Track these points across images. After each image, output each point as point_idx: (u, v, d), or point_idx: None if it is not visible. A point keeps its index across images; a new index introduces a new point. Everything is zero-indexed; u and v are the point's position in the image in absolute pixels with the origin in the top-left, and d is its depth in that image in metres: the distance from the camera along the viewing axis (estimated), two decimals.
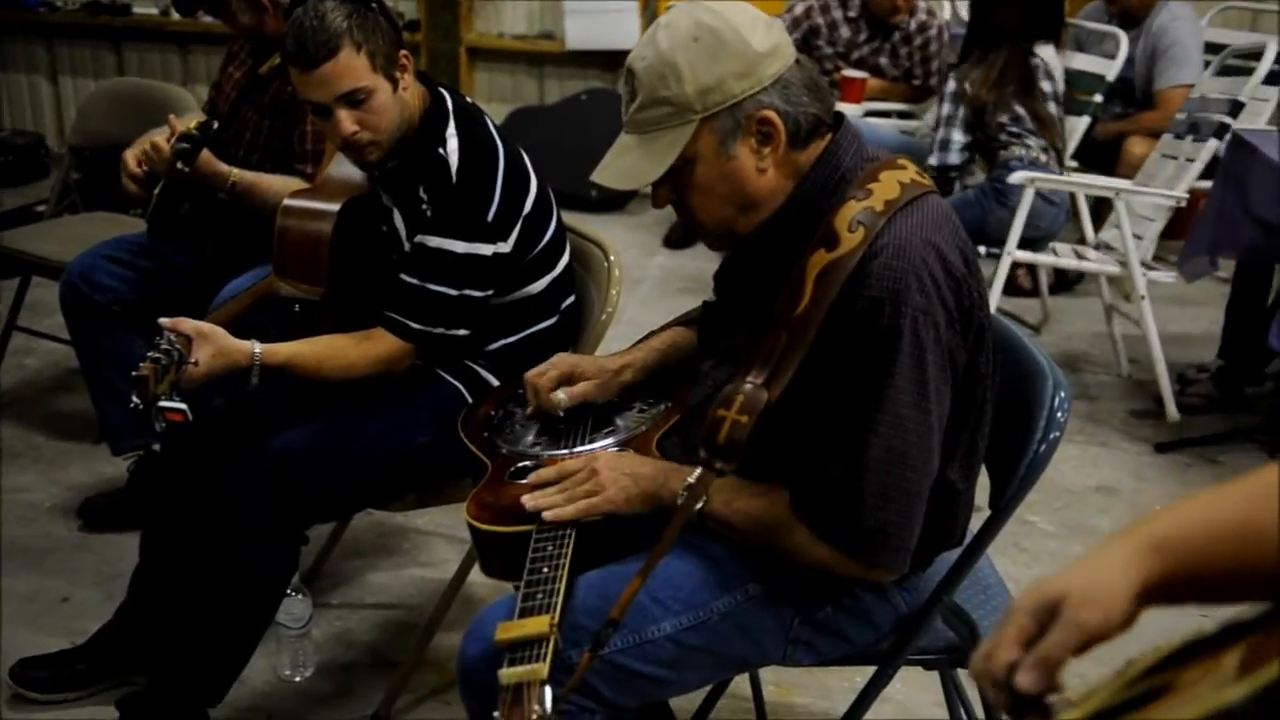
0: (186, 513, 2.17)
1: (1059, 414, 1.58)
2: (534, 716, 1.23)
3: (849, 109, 4.50)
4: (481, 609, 1.55)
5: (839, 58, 4.95)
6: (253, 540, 2.00)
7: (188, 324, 1.90)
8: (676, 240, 5.17)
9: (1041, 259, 3.97)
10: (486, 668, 1.39)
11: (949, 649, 1.72)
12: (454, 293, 2.06)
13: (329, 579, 2.75)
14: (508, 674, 1.29)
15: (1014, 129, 4.02)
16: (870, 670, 1.68)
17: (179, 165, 2.45)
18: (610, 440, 1.74)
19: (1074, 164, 4.35)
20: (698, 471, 1.48)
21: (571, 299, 2.29)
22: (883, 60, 4.98)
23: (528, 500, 1.58)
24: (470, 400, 2.12)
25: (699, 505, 1.48)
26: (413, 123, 2.10)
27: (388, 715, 2.28)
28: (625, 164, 1.53)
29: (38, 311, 3.75)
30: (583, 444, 1.75)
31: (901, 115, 5.05)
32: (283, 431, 2.05)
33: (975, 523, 1.64)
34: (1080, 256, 4.00)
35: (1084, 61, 4.57)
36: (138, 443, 2.89)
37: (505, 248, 2.10)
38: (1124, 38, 4.54)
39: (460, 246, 2.05)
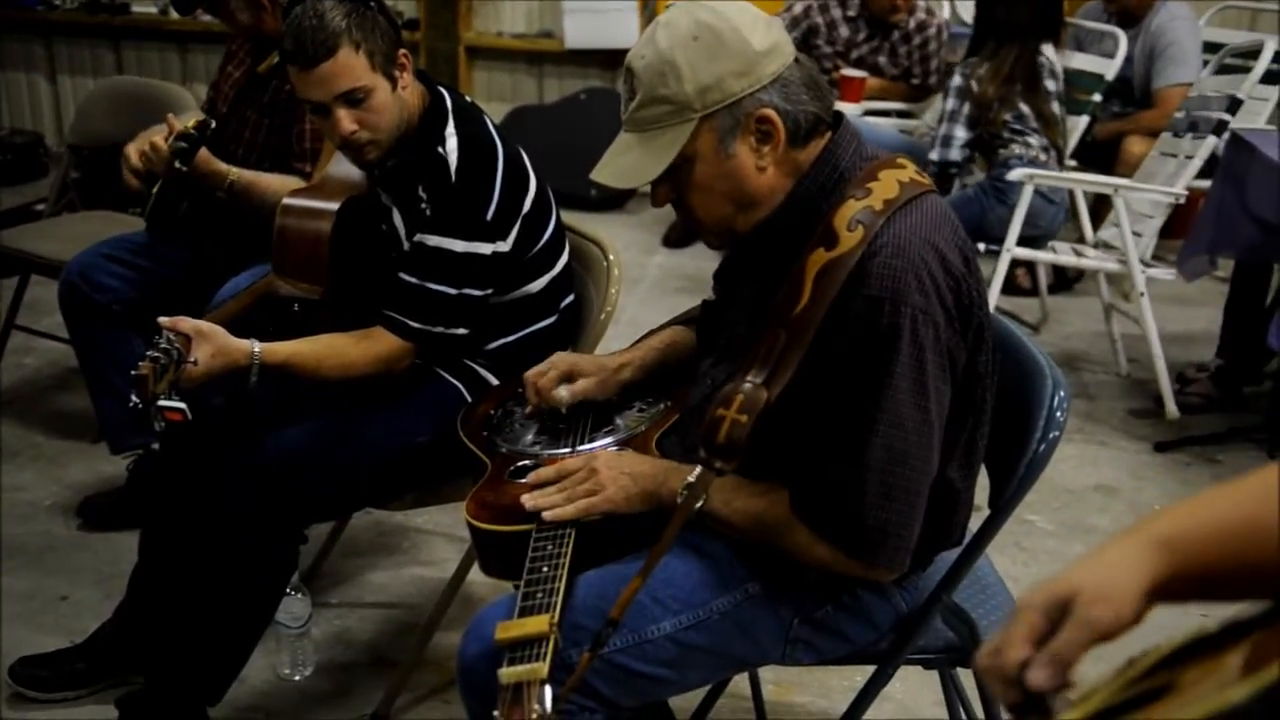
0: (186, 512, 2.17)
1: (1058, 413, 1.58)
2: (534, 716, 1.23)
3: (848, 108, 4.51)
4: (481, 608, 1.55)
5: (838, 57, 4.95)
6: (252, 539, 1.99)
7: (187, 323, 1.90)
8: (676, 239, 5.17)
9: (1041, 256, 3.98)
10: (486, 667, 1.39)
11: (948, 648, 1.72)
12: (453, 291, 2.06)
13: (328, 578, 2.75)
14: (507, 673, 1.28)
15: (1017, 126, 4.02)
16: (870, 669, 1.68)
17: (177, 164, 2.45)
18: (610, 439, 1.74)
19: (1073, 163, 4.35)
20: (697, 470, 1.48)
21: (571, 298, 2.29)
22: (882, 59, 4.98)
23: (527, 500, 1.58)
24: (469, 399, 2.12)
25: (698, 504, 1.48)
26: (412, 122, 2.10)
27: (387, 714, 2.28)
28: (625, 163, 1.53)
29: (37, 310, 3.75)
30: (582, 443, 1.75)
31: (900, 114, 5.05)
32: (282, 430, 2.05)
33: (975, 522, 1.64)
34: (1079, 255, 4.01)
35: (1083, 61, 4.57)
36: (137, 442, 2.88)
37: (504, 247, 2.10)
38: (1123, 37, 4.54)
39: (459, 245, 2.05)
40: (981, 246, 3.84)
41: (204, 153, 2.53)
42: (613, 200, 5.55)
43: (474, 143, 2.08)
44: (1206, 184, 3.70)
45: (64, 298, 2.87)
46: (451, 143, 2.07)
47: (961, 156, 4.10)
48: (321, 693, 2.38)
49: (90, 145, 3.67)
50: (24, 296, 3.51)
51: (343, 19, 1.97)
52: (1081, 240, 4.16)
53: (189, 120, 2.52)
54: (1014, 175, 3.77)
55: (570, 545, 1.50)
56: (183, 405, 1.77)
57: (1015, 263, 4.27)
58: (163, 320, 1.89)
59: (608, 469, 1.58)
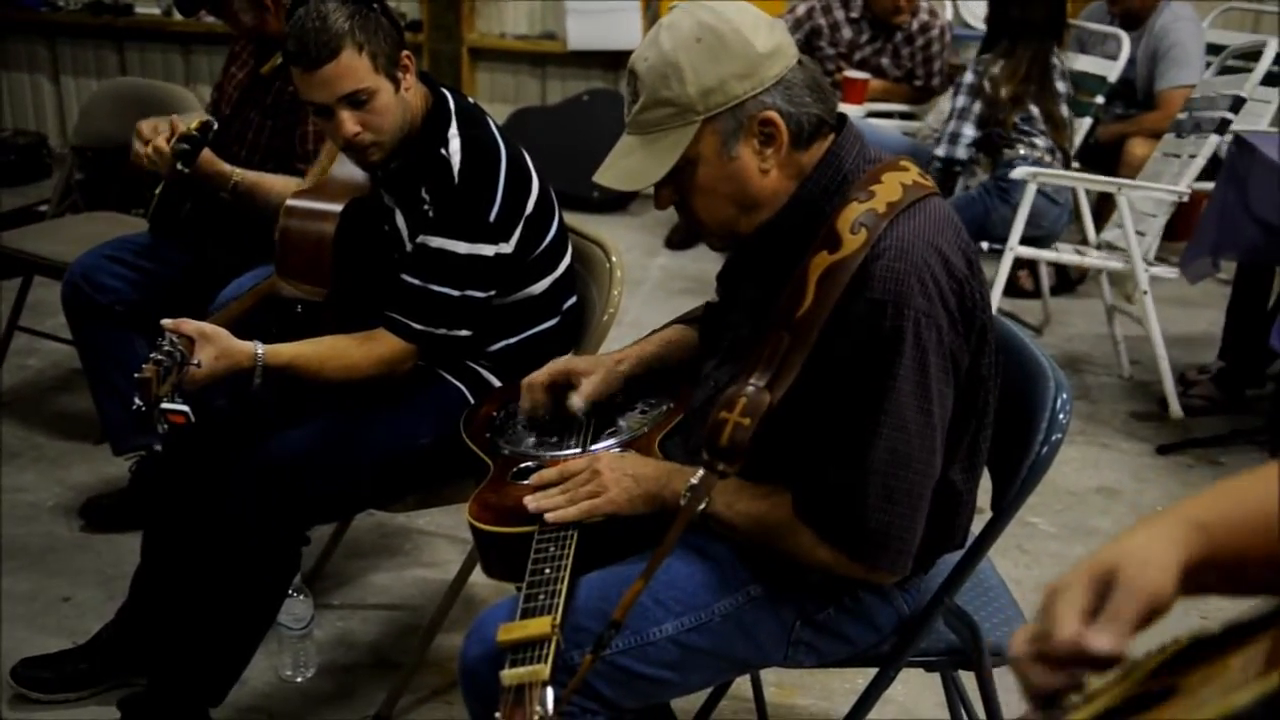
0: (188, 513, 2.17)
1: (1060, 415, 1.58)
2: (535, 717, 1.23)
3: (851, 110, 4.50)
4: (483, 610, 1.55)
5: (841, 58, 4.95)
6: (254, 541, 2.00)
7: (190, 325, 1.90)
8: (678, 241, 5.17)
9: (1044, 254, 3.98)
10: (488, 669, 1.39)
11: (950, 651, 1.71)
12: (456, 293, 2.06)
13: (331, 579, 2.76)
14: (509, 675, 1.29)
15: (1025, 128, 4.03)
16: (872, 672, 1.68)
17: (180, 166, 2.45)
18: (612, 441, 1.74)
19: (1076, 165, 4.35)
20: (700, 472, 1.48)
21: (573, 299, 2.29)
22: (884, 61, 4.98)
23: (530, 501, 1.58)
24: (472, 401, 2.12)
25: (701, 507, 1.48)
26: (415, 123, 2.10)
27: (389, 716, 2.28)
28: (628, 165, 1.53)
29: (40, 311, 3.76)
30: (585, 445, 1.75)
31: (903, 116, 5.05)
32: (284, 432, 2.05)
33: (977, 525, 1.64)
34: (1082, 255, 4.01)
35: (1085, 62, 4.57)
36: (139, 443, 2.89)
37: (507, 248, 2.10)
38: (1126, 38, 4.54)
39: (462, 247, 2.05)
40: (985, 245, 3.84)
41: (207, 154, 2.53)
42: (615, 202, 5.55)
43: (477, 144, 2.08)
44: (1210, 186, 3.70)
45: (67, 299, 2.87)
46: (454, 144, 2.07)
47: (967, 155, 4.10)
48: (323, 694, 2.38)
49: (94, 146, 3.67)
50: (27, 297, 3.51)
51: (346, 21, 1.97)
52: (1084, 242, 4.16)
53: (192, 121, 2.52)
54: (1017, 173, 3.77)
55: (573, 547, 1.50)
56: (186, 408, 1.77)
57: (1018, 264, 4.28)
58: (166, 322, 1.89)
59: (610, 471, 1.58)
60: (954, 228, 1.50)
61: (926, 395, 1.43)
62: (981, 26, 5.41)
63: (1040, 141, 4.03)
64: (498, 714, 1.25)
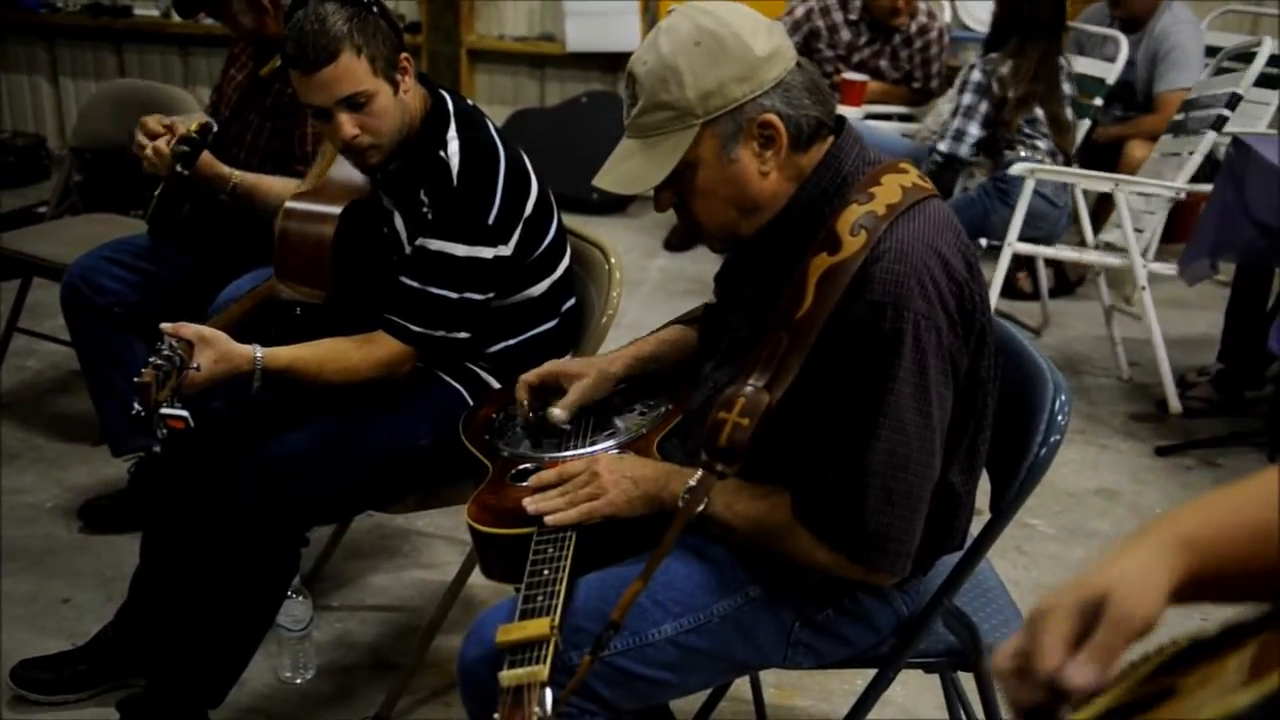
0: (187, 514, 2.17)
1: (1059, 417, 1.58)
2: (534, 718, 1.23)
3: (849, 112, 4.50)
4: (482, 611, 1.55)
5: (839, 60, 4.96)
6: (253, 542, 2.00)
7: (189, 329, 1.90)
8: (677, 243, 5.17)
9: (1043, 250, 3.99)
10: (487, 670, 1.39)
11: (949, 652, 1.72)
12: (455, 296, 2.06)
13: (330, 581, 2.76)
14: (508, 676, 1.29)
15: (1028, 131, 4.03)
16: (871, 673, 1.68)
17: (179, 168, 2.45)
18: (611, 442, 1.75)
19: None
20: (699, 474, 1.48)
21: (572, 301, 2.29)
22: (883, 63, 4.99)
23: (529, 503, 1.58)
24: (471, 402, 2.12)
25: (700, 508, 1.48)
26: (414, 125, 2.10)
27: (388, 717, 2.28)
28: (627, 169, 1.53)
29: (39, 313, 3.76)
30: (583, 446, 1.75)
31: (902, 118, 5.06)
32: (283, 434, 2.05)
33: (976, 526, 1.64)
34: (1081, 252, 4.03)
35: (1084, 65, 4.58)
36: (138, 444, 2.89)
37: (506, 250, 2.10)
38: (1124, 41, 4.54)
39: (461, 249, 2.05)
40: (984, 242, 3.85)
41: (206, 156, 2.53)
42: (614, 203, 5.55)
43: (476, 146, 2.08)
44: (1208, 188, 3.71)
45: (66, 300, 2.87)
46: (453, 146, 2.07)
47: (968, 154, 4.10)
48: (323, 695, 2.38)
49: (92, 148, 3.67)
50: (26, 299, 3.51)
51: (344, 23, 1.97)
52: (1083, 243, 4.17)
53: (191, 123, 2.52)
54: (1015, 169, 3.78)
55: (571, 548, 1.50)
56: (185, 413, 1.77)
57: (1016, 266, 4.29)
58: (165, 326, 1.89)
59: (609, 472, 1.58)
60: (953, 230, 1.50)
61: (926, 397, 1.43)
62: (979, 28, 5.43)
63: (1042, 144, 4.03)
64: (496, 715, 1.25)
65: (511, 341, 2.21)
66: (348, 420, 2.08)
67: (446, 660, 2.32)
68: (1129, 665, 0.80)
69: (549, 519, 1.55)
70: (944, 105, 4.33)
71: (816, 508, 1.48)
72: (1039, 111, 4.01)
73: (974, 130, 4.04)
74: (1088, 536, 3.03)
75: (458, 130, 2.09)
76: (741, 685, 2.23)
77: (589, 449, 1.73)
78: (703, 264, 4.86)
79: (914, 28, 4.95)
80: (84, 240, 3.08)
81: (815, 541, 1.48)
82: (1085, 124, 4.42)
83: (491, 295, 2.13)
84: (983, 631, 1.69)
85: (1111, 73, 4.49)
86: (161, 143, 2.51)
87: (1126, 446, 3.55)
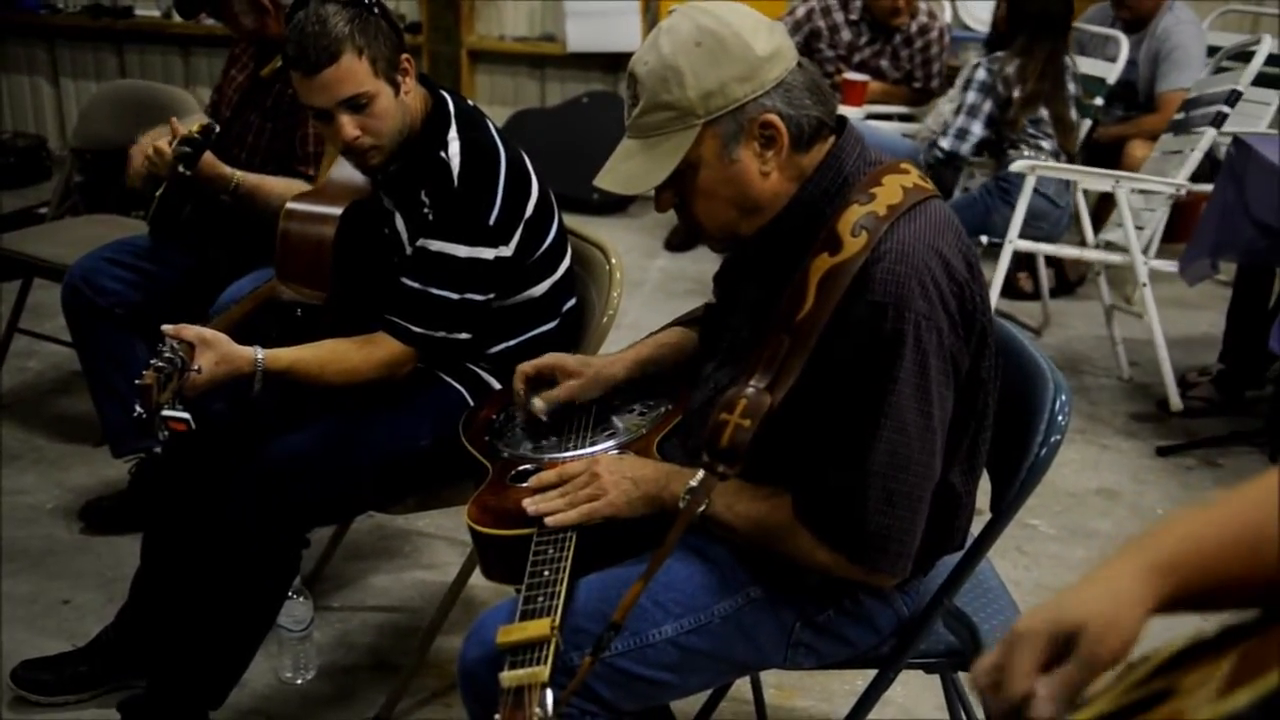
0: (188, 516, 2.17)
1: (1060, 417, 1.58)
2: (535, 719, 1.23)
3: (850, 111, 4.50)
4: (482, 612, 1.55)
5: (840, 60, 4.96)
6: (254, 543, 2.00)
7: (190, 331, 1.90)
8: (678, 243, 5.17)
9: (1043, 248, 3.99)
10: (487, 671, 1.39)
11: (950, 652, 1.72)
12: (456, 296, 2.06)
13: (330, 582, 2.76)
14: (509, 677, 1.29)
15: (1032, 131, 4.02)
16: (871, 673, 1.68)
17: (180, 168, 2.45)
18: (611, 443, 1.75)
19: None
20: (699, 474, 1.48)
21: (573, 302, 2.29)
22: (884, 63, 4.99)
23: (529, 504, 1.58)
24: (471, 403, 2.12)
25: (701, 509, 1.48)
26: (414, 126, 2.10)
27: (389, 718, 2.28)
28: (628, 169, 1.53)
29: (40, 314, 3.76)
30: (583, 447, 1.75)
31: (902, 118, 5.06)
32: (284, 435, 2.05)
33: (976, 526, 1.64)
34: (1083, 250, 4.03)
35: (1085, 64, 4.57)
36: (139, 445, 2.89)
37: (507, 251, 2.10)
38: (1125, 41, 4.54)
39: (462, 250, 2.05)
40: (984, 239, 3.85)
41: (208, 156, 2.53)
42: (615, 204, 5.55)
43: (476, 147, 2.08)
44: (1209, 188, 3.71)
45: (67, 301, 2.87)
46: (454, 147, 2.07)
47: (971, 153, 4.10)
48: (323, 696, 2.38)
49: (93, 149, 3.67)
50: (27, 300, 3.51)
51: (345, 25, 1.97)
52: (1083, 243, 4.17)
53: (193, 124, 2.52)
54: (1016, 166, 3.78)
55: (572, 549, 1.50)
56: (186, 415, 1.77)
57: (1017, 266, 4.28)
58: (166, 328, 1.89)
59: (609, 473, 1.58)
60: (954, 231, 1.50)
61: (926, 398, 1.43)
62: (980, 28, 5.43)
63: (1046, 144, 4.02)
64: (497, 716, 1.25)
65: (512, 342, 2.21)
66: (348, 421, 2.08)
67: (447, 661, 2.32)
68: (1126, 666, 0.80)
69: (549, 520, 1.55)
70: (944, 105, 4.32)
71: (817, 508, 1.48)
72: (1043, 112, 4.01)
73: (977, 129, 4.03)
74: (1088, 537, 3.03)
75: (458, 131, 2.09)
76: (742, 686, 2.23)
77: (589, 449, 1.73)
78: (703, 264, 4.86)
79: (914, 27, 4.95)
80: (85, 241, 3.08)
81: (816, 542, 1.48)
82: (1086, 124, 4.42)
83: (492, 296, 2.13)
84: (983, 632, 1.70)
85: (1112, 72, 4.49)
86: (163, 143, 2.51)
87: (1127, 446, 3.55)
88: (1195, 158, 3.75)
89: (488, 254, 2.07)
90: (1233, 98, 3.73)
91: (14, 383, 3.71)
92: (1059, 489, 3.24)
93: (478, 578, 1.93)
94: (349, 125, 2.02)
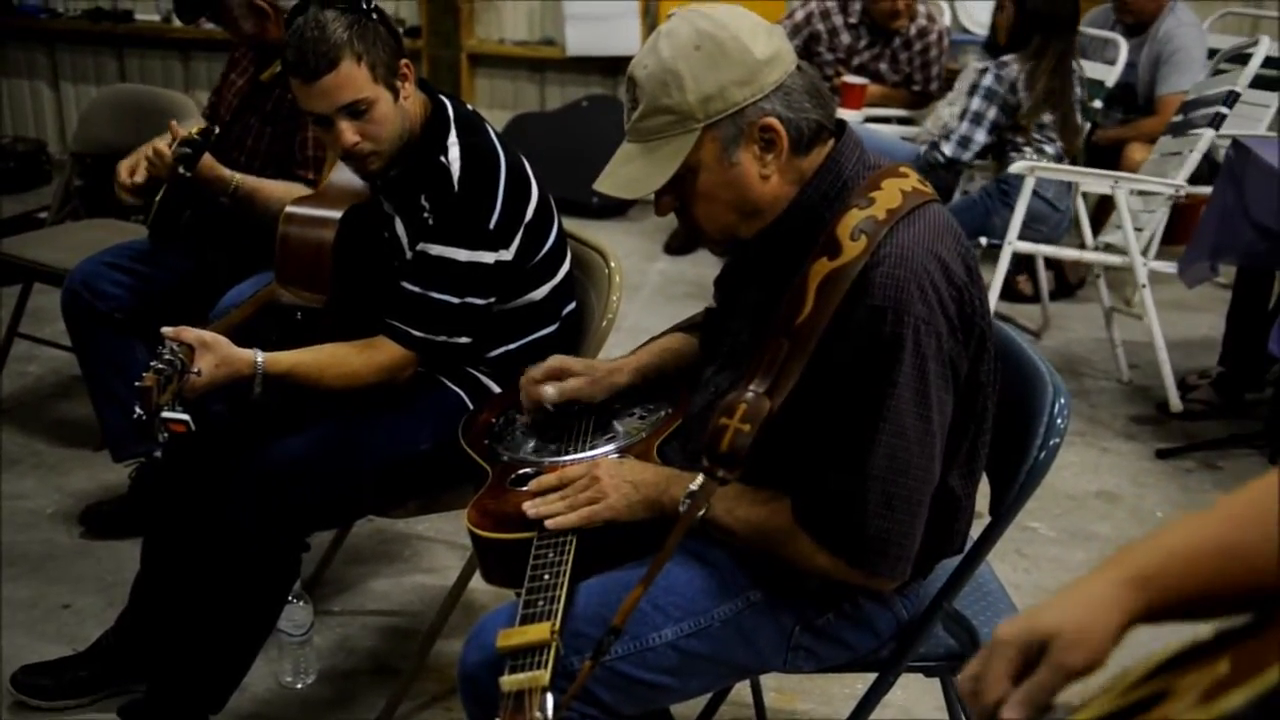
0: (188, 519, 2.17)
1: (1059, 420, 1.59)
2: None
3: (849, 115, 4.50)
4: (483, 616, 1.55)
5: (839, 64, 4.96)
6: (254, 547, 2.00)
7: (190, 333, 1.90)
8: (677, 246, 5.17)
9: (1043, 249, 3.99)
10: (488, 675, 1.39)
11: (949, 656, 1.72)
12: (456, 301, 2.07)
13: (330, 586, 2.76)
14: (509, 681, 1.29)
15: (1036, 135, 4.02)
16: (871, 677, 1.68)
17: (180, 170, 2.45)
18: (611, 446, 1.75)
19: None
20: (699, 478, 1.48)
21: (572, 305, 2.29)
22: (883, 66, 4.99)
23: (529, 508, 1.58)
24: (471, 407, 2.12)
25: (700, 513, 1.48)
26: (414, 131, 2.10)
27: None
28: (628, 173, 1.53)
29: (39, 318, 3.76)
30: (583, 450, 1.75)
31: (902, 121, 5.06)
32: (283, 438, 2.05)
33: (976, 529, 1.64)
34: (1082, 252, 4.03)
35: (1085, 67, 4.57)
36: (139, 450, 2.89)
37: (507, 255, 2.10)
38: (1124, 43, 4.54)
39: (462, 255, 2.05)
40: (984, 241, 3.84)
41: (207, 159, 2.53)
42: (614, 207, 5.55)
43: (476, 152, 2.08)
44: (1208, 190, 3.71)
45: (67, 305, 2.87)
46: (454, 152, 2.07)
47: (971, 159, 4.10)
48: (323, 701, 2.38)
49: (93, 153, 3.67)
50: (27, 304, 3.51)
51: (344, 31, 1.97)
52: (1082, 246, 4.17)
53: (192, 127, 2.52)
54: (1015, 167, 3.78)
55: (572, 553, 1.50)
56: (186, 417, 1.77)
57: (1016, 269, 4.28)
58: (166, 331, 1.89)
59: (609, 477, 1.58)
60: (953, 234, 1.50)
61: (926, 402, 1.43)
62: (979, 31, 5.43)
63: (1050, 149, 4.02)
64: (497, 719, 1.25)
65: (512, 346, 2.21)
66: (348, 424, 2.08)
67: (447, 665, 2.32)
68: (1121, 671, 0.80)
69: (549, 523, 1.55)
70: (943, 108, 4.32)
71: (817, 512, 1.48)
72: (1047, 116, 4.00)
73: (980, 137, 4.02)
74: (1088, 539, 3.03)
75: (458, 136, 2.09)
76: (742, 689, 2.23)
77: (589, 453, 1.73)
78: (703, 267, 4.86)
79: (914, 30, 4.95)
80: (85, 245, 3.08)
81: (815, 546, 1.48)
82: (1086, 127, 4.42)
83: (493, 300, 2.13)
84: (983, 635, 1.70)
85: (1111, 75, 4.49)
86: (163, 145, 2.52)
87: (1127, 449, 3.55)
88: (1194, 159, 3.76)
89: (488, 258, 2.07)
90: (1230, 99, 3.74)
91: (14, 387, 3.71)
92: (1059, 492, 3.24)
93: (478, 581, 1.93)
94: (348, 131, 2.02)
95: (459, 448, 1.87)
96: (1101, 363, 4.17)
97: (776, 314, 1.48)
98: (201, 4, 2.81)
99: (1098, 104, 4.46)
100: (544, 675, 1.28)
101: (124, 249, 2.93)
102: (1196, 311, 4.59)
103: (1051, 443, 1.57)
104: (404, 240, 2.13)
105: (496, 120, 4.90)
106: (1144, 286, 3.75)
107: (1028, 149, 4.01)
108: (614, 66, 5.89)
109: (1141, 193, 3.91)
